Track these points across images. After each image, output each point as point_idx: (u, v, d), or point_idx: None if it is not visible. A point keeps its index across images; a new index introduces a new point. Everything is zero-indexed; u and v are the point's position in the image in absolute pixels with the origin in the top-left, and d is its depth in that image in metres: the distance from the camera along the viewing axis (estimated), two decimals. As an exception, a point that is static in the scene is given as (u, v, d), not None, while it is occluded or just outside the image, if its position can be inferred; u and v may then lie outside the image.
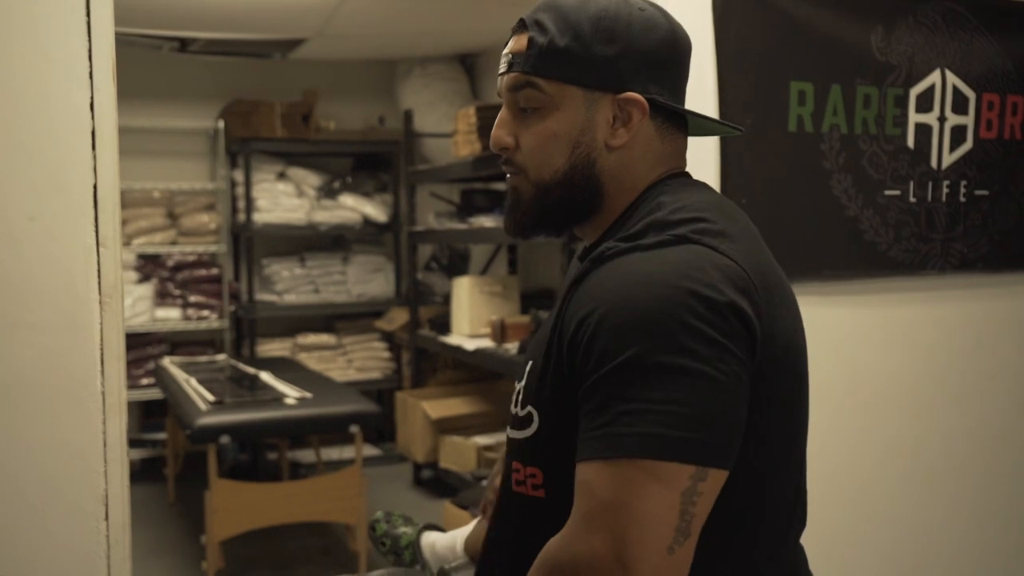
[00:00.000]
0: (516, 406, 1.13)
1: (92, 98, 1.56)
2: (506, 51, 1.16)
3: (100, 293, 1.58)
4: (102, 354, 1.59)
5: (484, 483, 4.67)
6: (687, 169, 1.21)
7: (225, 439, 3.86)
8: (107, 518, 1.60)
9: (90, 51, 1.56)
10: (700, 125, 1.23)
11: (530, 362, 1.12)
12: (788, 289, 1.13)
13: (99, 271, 1.58)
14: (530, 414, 1.09)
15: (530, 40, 1.13)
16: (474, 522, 1.69)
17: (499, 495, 1.22)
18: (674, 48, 1.15)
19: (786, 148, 2.20)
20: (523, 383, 1.12)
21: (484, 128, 4.36)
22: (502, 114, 1.17)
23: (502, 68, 1.16)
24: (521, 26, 1.15)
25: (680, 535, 0.95)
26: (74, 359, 1.57)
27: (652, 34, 1.12)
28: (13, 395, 1.54)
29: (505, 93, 1.16)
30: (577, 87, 1.12)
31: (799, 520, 1.18)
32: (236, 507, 3.93)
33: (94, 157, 1.57)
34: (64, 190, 1.55)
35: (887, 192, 2.32)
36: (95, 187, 1.57)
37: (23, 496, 1.55)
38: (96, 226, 1.57)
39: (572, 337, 1.02)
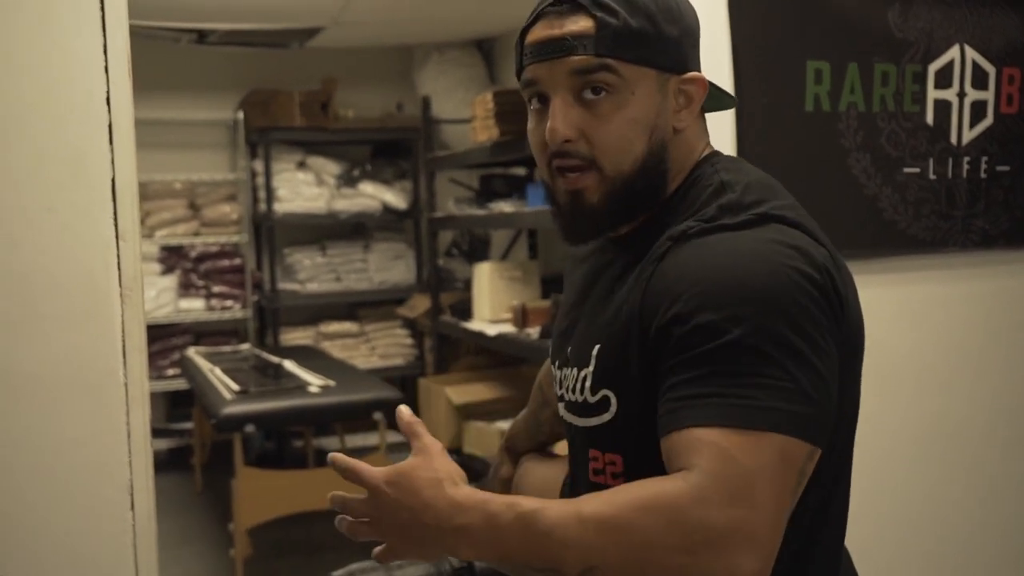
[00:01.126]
0: (580, 392, 1.10)
1: (108, 91, 1.57)
2: (559, 33, 1.09)
3: (120, 285, 1.59)
4: (124, 346, 1.60)
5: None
6: None
7: (250, 428, 3.89)
8: (133, 508, 1.62)
9: (105, 45, 1.57)
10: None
11: (597, 345, 1.08)
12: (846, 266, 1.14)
13: (119, 263, 1.59)
14: (606, 398, 1.07)
15: (600, 21, 1.07)
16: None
17: (570, 489, 1.19)
18: (696, 26, 1.17)
19: (803, 127, 2.18)
20: (591, 368, 1.08)
21: (502, 114, 4.35)
22: (557, 104, 1.09)
23: (553, 52, 1.09)
24: (575, 7, 1.09)
25: (786, 517, 0.94)
26: (96, 351, 1.59)
27: (692, 12, 1.16)
28: (36, 388, 1.56)
29: (565, 77, 1.09)
30: (652, 69, 1.09)
31: None
32: (262, 494, 3.97)
33: (111, 150, 1.58)
34: (82, 183, 1.57)
35: (906, 170, 2.30)
36: (113, 180, 1.58)
37: (49, 488, 1.57)
38: (115, 219, 1.58)
39: (668, 313, 0.99)
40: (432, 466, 0.98)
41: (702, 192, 1.09)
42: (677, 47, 1.10)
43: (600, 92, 1.08)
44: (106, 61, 1.57)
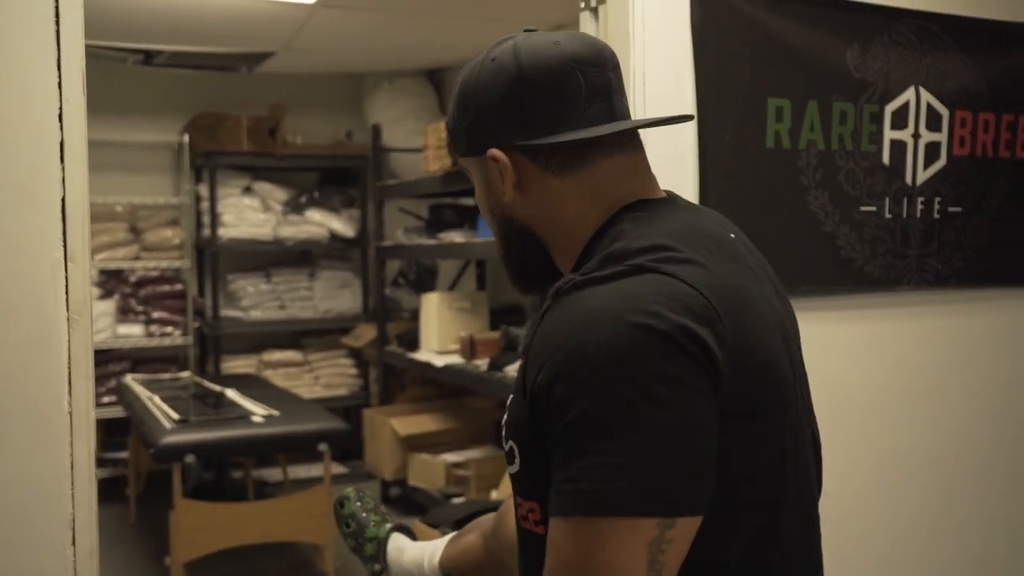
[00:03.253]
0: (503, 439, 1.10)
1: (61, 109, 1.51)
2: None
3: (68, 310, 1.53)
4: (70, 373, 1.53)
5: (455, 500, 4.63)
6: (665, 187, 1.17)
7: (190, 458, 3.79)
8: (74, 543, 1.55)
9: (59, 61, 1.51)
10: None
11: (511, 395, 1.08)
12: (769, 307, 1.07)
13: (67, 287, 1.52)
14: (512, 449, 1.05)
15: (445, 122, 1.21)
16: (446, 538, 1.63)
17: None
18: (524, 85, 1.08)
19: (764, 164, 2.19)
20: (505, 417, 1.09)
21: (454, 143, 4.33)
22: None
23: None
24: None
25: None
26: (41, 378, 1.51)
27: (496, 84, 1.10)
28: (-24, 416, 1.48)
29: None
30: (471, 158, 1.15)
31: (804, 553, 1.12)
32: (201, 527, 3.86)
33: (63, 169, 1.52)
34: (31, 203, 1.50)
35: (863, 208, 2.32)
36: (63, 200, 1.52)
37: (-14, 521, 1.49)
38: (64, 240, 1.52)
39: (534, 384, 0.98)
40: None
41: (601, 240, 1.08)
42: (471, 133, 1.13)
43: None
44: (59, 77, 1.51)
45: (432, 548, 1.62)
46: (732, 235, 1.13)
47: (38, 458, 1.52)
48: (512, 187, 1.12)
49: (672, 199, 1.15)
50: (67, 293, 1.53)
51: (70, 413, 1.54)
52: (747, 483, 1.01)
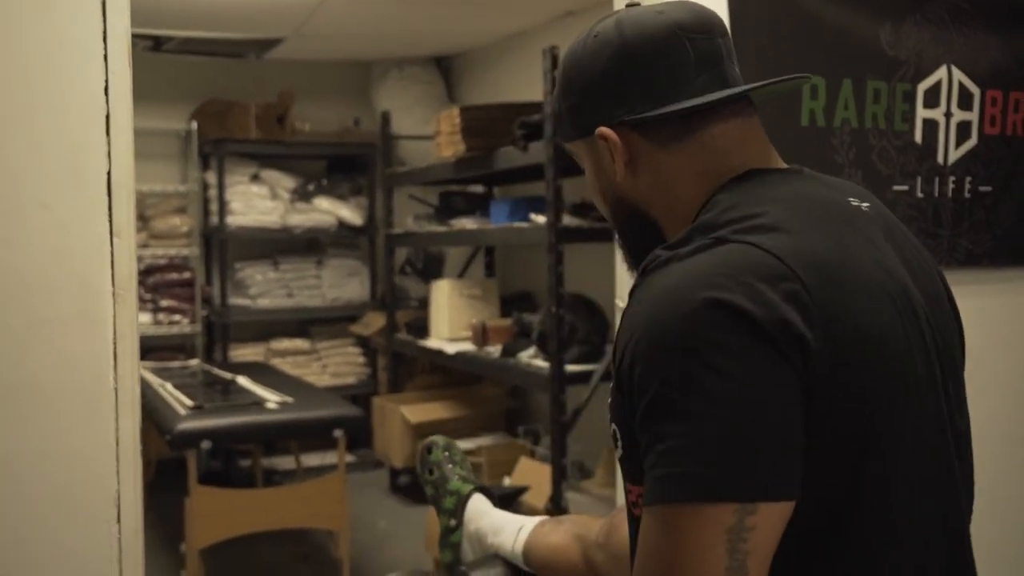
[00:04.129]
0: (609, 422, 1.06)
1: (107, 81, 1.49)
2: None
3: (114, 285, 1.51)
4: (115, 349, 1.52)
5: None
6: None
7: (206, 444, 3.78)
8: (119, 521, 1.53)
9: (105, 32, 1.49)
10: (762, 91, 1.10)
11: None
12: (885, 274, 1.00)
13: (112, 262, 1.51)
14: (615, 433, 1.02)
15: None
16: (535, 520, 1.54)
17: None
18: (629, 58, 1.05)
19: (799, 142, 2.17)
20: (610, 399, 1.04)
21: (468, 129, 4.31)
22: None
23: None
24: None
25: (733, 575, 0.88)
26: (87, 355, 1.50)
27: (599, 60, 1.07)
28: (21, 392, 1.47)
29: None
30: (579, 141, 1.13)
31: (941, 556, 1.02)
32: (217, 514, 3.84)
33: (108, 143, 1.50)
34: (77, 177, 1.48)
35: (896, 187, 2.31)
36: (109, 174, 1.50)
37: (33, 497, 1.48)
38: (110, 215, 1.50)
39: (619, 365, 0.96)
40: None
41: (701, 214, 1.04)
42: (578, 114, 1.11)
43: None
44: (105, 49, 1.49)
45: (518, 526, 1.52)
46: (856, 202, 1.07)
47: (83, 435, 1.51)
48: (624, 166, 1.08)
49: (795, 170, 1.10)
50: (113, 268, 1.51)
51: (115, 389, 1.52)
52: (840, 477, 0.93)
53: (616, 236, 1.18)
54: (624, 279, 2.24)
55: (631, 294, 1.00)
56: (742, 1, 2.08)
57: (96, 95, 1.49)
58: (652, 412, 0.91)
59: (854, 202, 1.07)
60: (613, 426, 1.02)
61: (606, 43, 1.07)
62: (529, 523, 1.47)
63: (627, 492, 1.04)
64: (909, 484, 0.98)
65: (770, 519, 0.89)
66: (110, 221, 1.50)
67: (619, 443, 1.01)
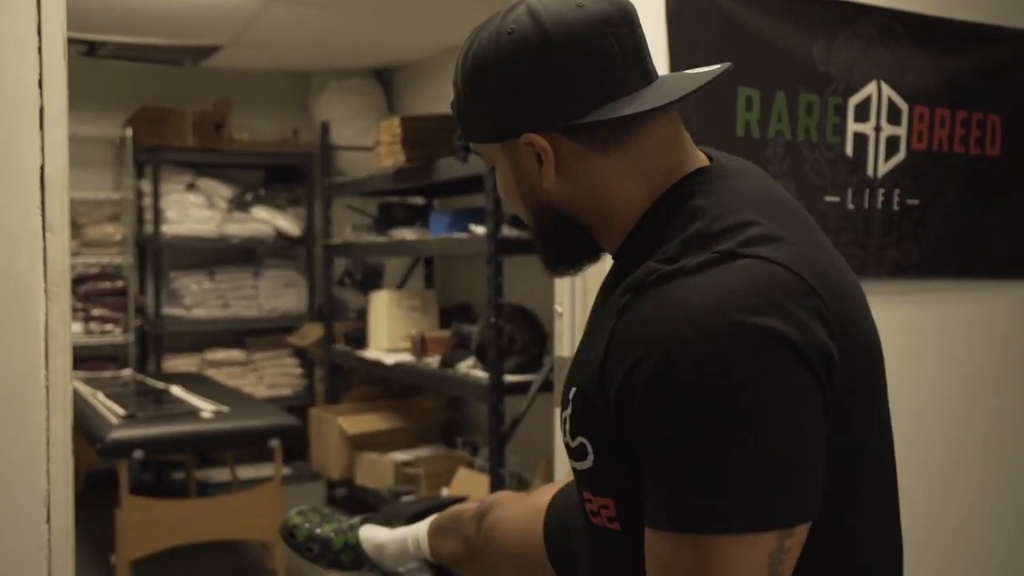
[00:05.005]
0: (566, 434, 1.02)
1: (41, 75, 1.47)
2: None
3: (46, 281, 1.48)
4: (47, 346, 1.49)
5: (405, 498, 4.59)
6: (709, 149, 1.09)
7: (139, 454, 3.71)
8: (49, 521, 1.50)
9: (39, 26, 1.47)
10: (677, 86, 1.03)
11: (573, 388, 1.01)
12: (853, 281, 1.02)
13: (45, 259, 1.48)
14: (583, 445, 0.99)
15: (451, 105, 1.08)
16: (426, 522, 1.57)
17: (578, 524, 1.11)
18: (554, 57, 0.98)
19: (734, 153, 2.20)
20: (569, 411, 1.01)
21: (408, 140, 4.31)
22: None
23: None
24: None
25: None
26: (17, 351, 1.47)
27: (519, 63, 0.99)
28: (-52, 389, 1.43)
29: None
30: (492, 143, 1.05)
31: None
32: (148, 525, 3.77)
33: (42, 137, 1.48)
34: (9, 170, 1.46)
35: (827, 198, 2.37)
36: (42, 168, 1.48)
37: (-42, 498, 1.44)
38: (43, 209, 1.48)
39: (624, 384, 0.91)
40: None
41: (672, 219, 0.99)
42: (495, 118, 1.03)
43: (493, 167, 1.11)
44: (40, 42, 1.47)
45: (414, 532, 1.56)
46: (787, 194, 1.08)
47: (13, 433, 1.48)
48: (552, 171, 1.02)
49: (720, 163, 1.07)
50: (45, 265, 1.48)
51: (47, 387, 1.50)
52: (841, 465, 0.96)
53: (538, 241, 1.11)
54: (564, 285, 2.26)
55: (626, 309, 0.95)
56: (679, 13, 2.12)
57: (30, 87, 1.47)
58: (685, 438, 0.87)
59: (787, 194, 1.09)
60: (580, 439, 0.99)
61: (524, 44, 0.98)
62: (423, 524, 1.51)
63: (586, 502, 1.03)
64: (884, 486, 1.05)
65: (802, 537, 0.90)
66: (43, 216, 1.48)
67: (590, 455, 0.98)
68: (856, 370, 0.94)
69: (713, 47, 2.18)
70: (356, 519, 1.59)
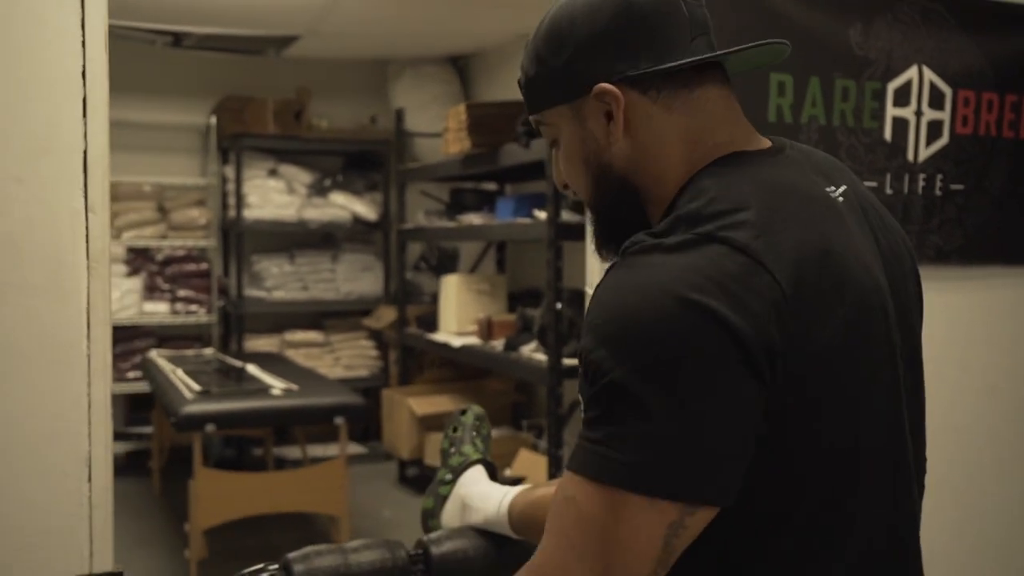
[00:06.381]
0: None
1: (84, 66, 1.59)
2: None
3: (88, 258, 1.61)
4: (88, 318, 1.61)
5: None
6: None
7: (211, 427, 3.89)
8: (90, 480, 1.62)
9: (83, 20, 1.59)
10: (742, 61, 1.11)
11: None
12: (855, 272, 1.00)
13: (87, 235, 1.61)
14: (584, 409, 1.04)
15: (519, 83, 1.13)
16: (520, 487, 1.57)
17: None
18: (634, 11, 1.04)
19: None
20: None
21: (474, 126, 4.40)
22: (552, 156, 1.16)
23: None
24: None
25: (660, 567, 0.93)
26: (60, 322, 1.59)
27: (600, 14, 1.05)
28: (-1, 356, 1.57)
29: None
30: (561, 106, 1.08)
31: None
32: (220, 496, 3.95)
33: (85, 124, 1.60)
34: (54, 154, 1.58)
35: (864, 183, 2.36)
36: (85, 152, 1.60)
37: (10, 454, 1.57)
38: (85, 191, 1.60)
39: (583, 340, 0.96)
40: None
41: (682, 196, 1.02)
42: (570, 72, 1.06)
43: (554, 141, 1.13)
44: (83, 36, 1.59)
45: (505, 491, 1.58)
46: (832, 190, 1.07)
47: (57, 398, 1.60)
48: (620, 128, 1.05)
49: (777, 148, 1.09)
50: (87, 241, 1.61)
51: (88, 356, 1.62)
52: (802, 477, 0.97)
53: (594, 210, 1.13)
54: (595, 267, 2.31)
55: (606, 274, 0.99)
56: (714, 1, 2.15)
57: (74, 78, 1.59)
58: (612, 393, 0.91)
59: (831, 191, 1.07)
60: (581, 399, 1.04)
61: (602, 2, 1.05)
62: (517, 488, 1.49)
63: None
64: (876, 483, 1.03)
65: (701, 522, 0.93)
66: (85, 197, 1.60)
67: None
68: (819, 371, 0.96)
69: (745, 32, 2.19)
70: (485, 457, 1.57)
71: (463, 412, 1.63)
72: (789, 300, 0.92)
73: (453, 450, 1.59)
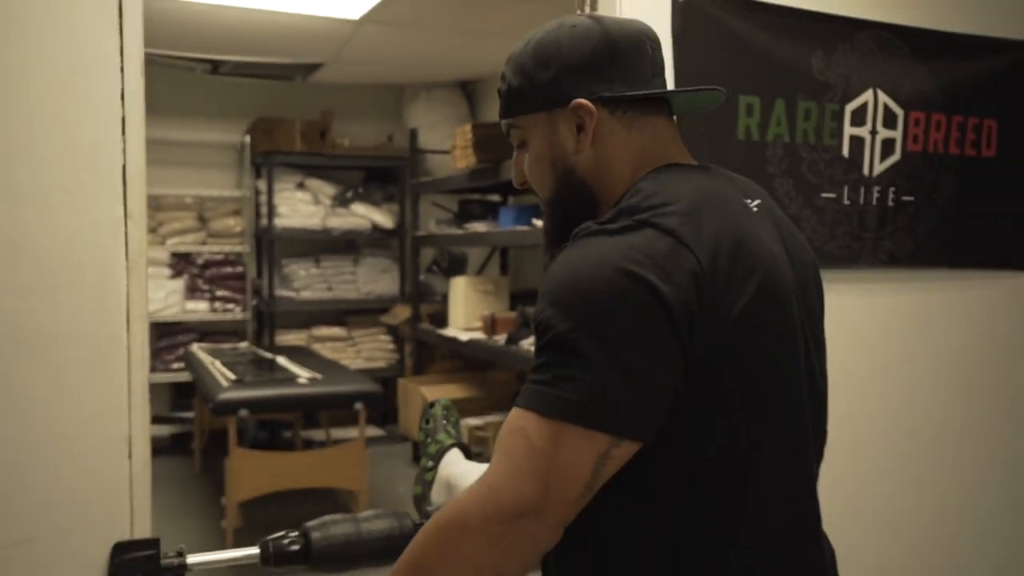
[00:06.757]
0: None
1: (123, 89, 1.59)
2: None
3: (127, 259, 1.61)
4: (128, 313, 1.62)
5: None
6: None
7: (244, 412, 3.90)
8: (130, 456, 1.63)
9: (122, 48, 1.59)
10: (685, 102, 1.21)
11: None
12: (766, 257, 1.06)
13: (126, 240, 1.61)
14: None
15: (499, 92, 1.20)
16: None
17: None
18: (612, 46, 1.12)
19: (735, 154, 2.23)
20: None
21: (479, 144, 4.40)
22: (515, 157, 1.22)
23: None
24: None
25: (587, 490, 0.98)
26: (103, 317, 1.60)
27: (584, 44, 1.12)
28: (49, 346, 1.57)
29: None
30: (538, 113, 1.15)
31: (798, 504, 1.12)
32: (253, 473, 3.96)
33: (124, 141, 1.60)
34: (97, 169, 1.58)
35: (824, 195, 2.36)
36: (124, 167, 1.60)
37: (60, 433, 1.58)
38: (124, 201, 1.60)
39: (537, 305, 1.02)
40: None
41: (626, 196, 1.09)
42: (553, 86, 1.13)
43: (521, 144, 1.19)
44: (122, 61, 1.59)
45: (483, 467, 1.59)
46: (749, 202, 1.13)
47: (101, 384, 1.60)
48: (590, 137, 1.12)
49: (703, 166, 1.17)
50: (127, 245, 1.61)
51: (128, 347, 1.62)
52: (721, 429, 1.03)
53: (551, 205, 1.18)
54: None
55: (561, 250, 1.05)
56: (683, 28, 2.14)
57: (114, 101, 1.59)
58: (557, 343, 0.97)
59: (749, 202, 1.13)
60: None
61: (588, 32, 1.13)
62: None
63: None
64: (777, 443, 1.08)
65: (625, 454, 0.99)
66: (124, 207, 1.60)
67: None
68: (737, 338, 1.01)
69: (716, 60, 2.19)
70: (458, 442, 1.60)
71: (431, 405, 1.66)
72: (707, 275, 0.99)
73: (429, 440, 1.62)
